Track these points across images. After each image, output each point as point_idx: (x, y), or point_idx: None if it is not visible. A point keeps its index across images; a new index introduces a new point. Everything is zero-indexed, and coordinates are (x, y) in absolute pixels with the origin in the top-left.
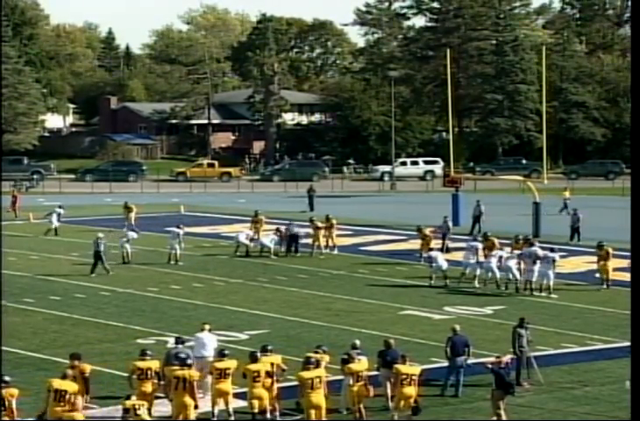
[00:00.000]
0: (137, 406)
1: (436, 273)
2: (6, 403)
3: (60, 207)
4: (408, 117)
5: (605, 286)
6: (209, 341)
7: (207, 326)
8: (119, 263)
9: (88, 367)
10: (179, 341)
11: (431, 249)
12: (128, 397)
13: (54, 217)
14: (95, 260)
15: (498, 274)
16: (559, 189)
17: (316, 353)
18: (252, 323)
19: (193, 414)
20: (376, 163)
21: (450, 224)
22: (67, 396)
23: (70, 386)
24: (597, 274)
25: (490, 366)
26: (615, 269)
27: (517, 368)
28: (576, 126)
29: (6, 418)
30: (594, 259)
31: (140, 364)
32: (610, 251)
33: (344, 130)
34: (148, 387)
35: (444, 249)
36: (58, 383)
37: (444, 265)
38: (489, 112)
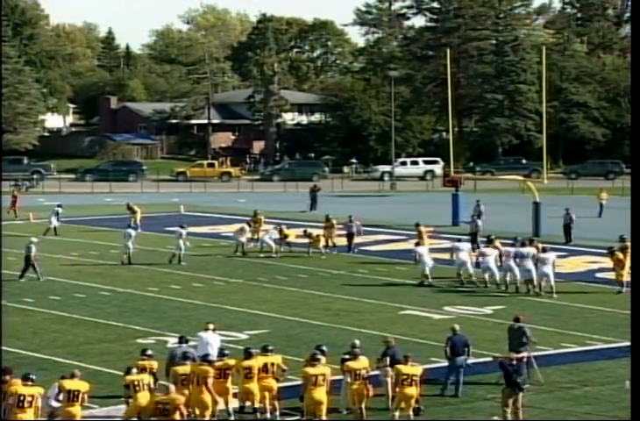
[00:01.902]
0: (136, 382)
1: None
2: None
3: (59, 206)
4: (409, 117)
5: (623, 289)
6: (213, 341)
7: (211, 326)
8: (118, 264)
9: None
10: (182, 340)
11: (418, 244)
12: (128, 371)
13: (54, 217)
14: (25, 264)
15: (497, 274)
16: (559, 189)
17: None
18: (252, 322)
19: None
20: (376, 163)
21: (479, 223)
22: (81, 396)
23: (82, 385)
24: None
25: (500, 359)
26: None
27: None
28: (576, 126)
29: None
30: (594, 259)
31: (140, 363)
32: (620, 256)
33: (344, 130)
34: None
35: (474, 248)
36: (70, 384)
37: (430, 263)
38: (489, 112)
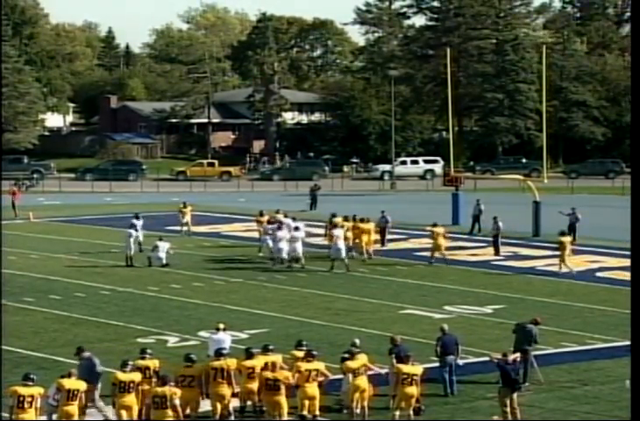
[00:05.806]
0: (123, 384)
1: (274, 254)
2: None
3: (136, 217)
4: (409, 117)
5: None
6: (225, 340)
7: (221, 325)
8: (118, 263)
9: None
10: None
11: (280, 228)
12: (123, 366)
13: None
14: None
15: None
16: (559, 188)
17: (301, 350)
18: (253, 322)
19: (231, 403)
20: (376, 162)
21: (500, 224)
22: (79, 395)
23: (81, 384)
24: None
25: (496, 360)
26: (616, 269)
27: (525, 366)
28: (576, 125)
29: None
30: (595, 258)
31: (140, 363)
32: (440, 231)
33: (344, 129)
34: (147, 386)
35: (496, 251)
36: (69, 383)
37: (286, 248)
38: (489, 111)
